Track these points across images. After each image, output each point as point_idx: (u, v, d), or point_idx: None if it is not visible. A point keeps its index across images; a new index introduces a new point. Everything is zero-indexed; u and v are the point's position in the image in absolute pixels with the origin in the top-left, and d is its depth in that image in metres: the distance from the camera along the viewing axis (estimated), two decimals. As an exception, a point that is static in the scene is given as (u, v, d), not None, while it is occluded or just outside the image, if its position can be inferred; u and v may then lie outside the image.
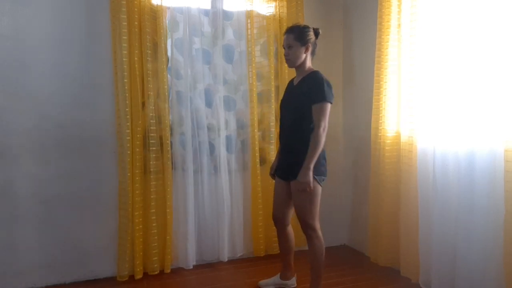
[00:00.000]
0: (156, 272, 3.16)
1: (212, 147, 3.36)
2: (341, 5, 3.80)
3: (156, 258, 3.16)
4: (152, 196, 3.11)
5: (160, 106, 3.18)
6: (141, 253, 3.12)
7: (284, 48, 2.56)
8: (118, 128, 3.05)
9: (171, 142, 3.19)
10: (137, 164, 3.06)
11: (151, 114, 3.10)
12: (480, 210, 2.43)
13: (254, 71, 3.40)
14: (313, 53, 2.59)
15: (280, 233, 2.83)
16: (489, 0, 2.39)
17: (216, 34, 3.35)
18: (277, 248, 3.49)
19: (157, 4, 3.12)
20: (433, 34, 2.75)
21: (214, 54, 3.34)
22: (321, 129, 2.42)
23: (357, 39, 3.66)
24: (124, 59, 2.98)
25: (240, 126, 3.48)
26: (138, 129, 3.06)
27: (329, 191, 3.80)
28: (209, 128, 3.34)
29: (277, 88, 3.50)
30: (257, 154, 3.41)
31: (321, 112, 2.42)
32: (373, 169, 3.25)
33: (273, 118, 3.45)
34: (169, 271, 3.21)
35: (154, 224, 3.13)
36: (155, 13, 3.11)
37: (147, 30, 3.05)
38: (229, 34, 3.42)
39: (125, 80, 2.99)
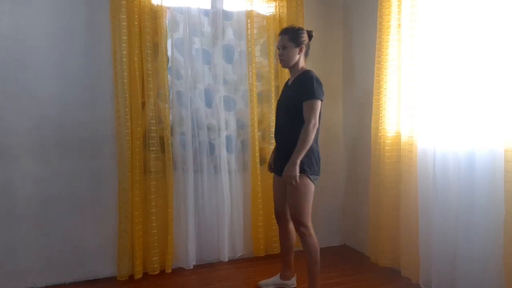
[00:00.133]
0: (156, 272, 3.16)
1: (212, 147, 3.36)
2: (341, 5, 3.80)
3: (156, 258, 3.16)
4: (152, 196, 3.12)
5: (160, 106, 3.18)
6: (141, 253, 3.12)
7: (279, 48, 2.63)
8: (117, 128, 3.06)
9: (171, 142, 3.19)
10: (137, 164, 3.07)
11: (151, 114, 3.10)
12: (480, 210, 2.43)
13: (254, 71, 3.40)
14: (306, 54, 2.66)
15: (282, 230, 2.85)
16: (489, 0, 2.38)
17: (216, 34, 3.35)
18: (277, 248, 3.49)
19: (157, 4, 3.12)
20: (433, 34, 2.75)
21: (214, 54, 3.34)
22: (311, 126, 2.46)
23: (357, 39, 3.66)
24: (124, 59, 2.99)
25: (240, 126, 3.49)
26: (138, 129, 3.07)
27: (329, 191, 3.81)
28: (209, 128, 3.34)
29: (277, 88, 3.50)
30: (257, 154, 3.41)
31: (311, 109, 2.47)
32: (373, 169, 3.25)
33: (273, 118, 3.43)
34: (170, 271, 3.21)
35: (154, 224, 3.13)
36: (155, 13, 3.11)
37: (147, 30, 3.06)
38: (229, 34, 3.42)
39: (125, 80, 3.00)
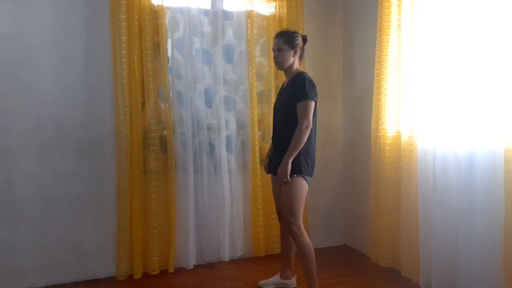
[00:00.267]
0: (156, 272, 3.16)
1: (212, 147, 3.36)
2: (341, 5, 3.80)
3: (156, 258, 3.16)
4: (152, 196, 3.11)
5: (160, 106, 3.18)
6: (140, 253, 3.11)
7: (274, 51, 2.69)
8: (117, 128, 3.05)
9: (167, 142, 3.19)
10: (137, 164, 3.06)
11: (151, 114, 3.10)
12: (480, 210, 2.42)
13: (254, 71, 3.40)
14: (301, 57, 2.73)
15: (285, 229, 2.84)
16: (489, 0, 2.38)
17: (216, 34, 3.35)
18: (277, 248, 3.49)
19: (157, 4, 3.12)
20: (433, 34, 2.75)
21: (214, 54, 3.34)
22: (303, 127, 2.51)
23: (357, 39, 3.66)
24: (123, 59, 2.99)
25: (240, 126, 3.49)
26: (138, 129, 3.07)
27: (329, 191, 3.81)
28: (209, 128, 3.34)
29: (277, 88, 3.49)
30: (257, 154, 3.41)
31: (304, 110, 2.52)
32: (373, 169, 3.25)
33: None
34: (172, 270, 3.21)
35: (154, 224, 3.13)
36: (155, 13, 3.11)
37: (147, 30, 3.06)
38: (229, 34, 3.42)
39: (124, 80, 3.00)
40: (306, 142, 2.57)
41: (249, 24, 3.39)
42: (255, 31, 3.44)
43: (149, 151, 3.10)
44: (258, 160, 3.41)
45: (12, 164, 2.88)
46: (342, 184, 3.86)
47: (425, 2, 2.80)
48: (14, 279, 2.90)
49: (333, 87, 3.83)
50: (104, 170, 3.10)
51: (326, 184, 3.74)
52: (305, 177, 2.59)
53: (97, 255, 3.11)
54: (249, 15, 3.39)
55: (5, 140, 2.86)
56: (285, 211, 2.63)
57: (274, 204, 3.34)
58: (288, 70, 2.69)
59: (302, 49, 2.71)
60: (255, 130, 3.41)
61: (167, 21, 3.19)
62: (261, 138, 3.50)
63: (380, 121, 3.16)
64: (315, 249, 2.67)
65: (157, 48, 3.14)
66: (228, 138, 3.42)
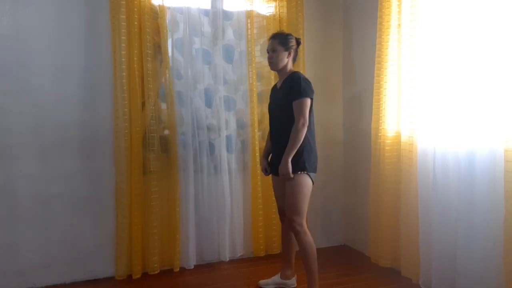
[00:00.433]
0: (156, 272, 3.16)
1: (212, 147, 3.36)
2: (341, 5, 3.80)
3: (156, 257, 3.16)
4: (152, 196, 3.11)
5: (161, 106, 3.18)
6: (139, 253, 3.11)
7: (268, 52, 2.73)
8: (116, 128, 3.05)
9: (169, 142, 3.19)
10: (136, 164, 3.06)
11: (151, 114, 3.10)
12: (480, 210, 2.42)
13: (254, 71, 3.40)
14: (294, 60, 2.76)
15: (286, 228, 2.86)
16: (489, 0, 2.38)
17: (216, 34, 3.35)
18: (277, 248, 3.50)
19: (157, 4, 3.12)
20: (433, 34, 2.75)
21: (214, 54, 3.34)
22: (300, 125, 2.54)
23: (357, 39, 3.66)
24: (123, 59, 2.99)
25: (240, 126, 3.49)
26: (138, 129, 3.06)
27: (329, 191, 3.81)
28: (209, 128, 3.34)
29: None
30: (257, 154, 3.41)
31: (299, 108, 2.55)
32: (373, 169, 3.25)
33: (273, 118, 3.45)
34: (178, 269, 3.22)
35: (155, 224, 3.13)
36: (156, 13, 3.11)
37: (147, 30, 3.05)
38: (229, 34, 3.42)
39: (124, 80, 3.00)
40: (307, 139, 2.59)
41: (249, 24, 3.39)
42: (255, 31, 3.44)
43: (149, 151, 3.10)
44: (258, 160, 3.41)
45: (12, 164, 2.88)
46: (342, 184, 3.86)
47: (425, 2, 2.80)
48: (14, 279, 2.90)
49: (333, 87, 3.83)
50: (104, 170, 3.09)
51: (326, 184, 3.74)
52: (309, 173, 2.59)
53: (97, 255, 3.11)
54: (249, 15, 3.39)
55: (5, 140, 2.86)
56: (289, 209, 2.63)
57: (274, 204, 3.35)
58: (281, 70, 2.72)
59: (296, 51, 2.75)
60: (255, 130, 3.41)
61: (167, 21, 3.19)
62: (261, 138, 3.49)
63: (380, 121, 3.16)
64: (315, 249, 2.67)
65: (157, 48, 3.14)
66: (228, 138, 3.42)
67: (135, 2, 3.02)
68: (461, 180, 2.54)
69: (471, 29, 2.50)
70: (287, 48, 2.68)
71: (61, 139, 2.99)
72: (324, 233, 3.78)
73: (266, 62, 3.44)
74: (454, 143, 2.59)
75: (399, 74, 3.03)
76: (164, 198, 3.19)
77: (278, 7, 3.52)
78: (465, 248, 2.51)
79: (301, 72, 3.34)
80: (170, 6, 3.21)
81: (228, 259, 3.41)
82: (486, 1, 2.41)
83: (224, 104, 3.39)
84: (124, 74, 3.00)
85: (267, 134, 2.99)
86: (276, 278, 2.93)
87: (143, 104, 3.12)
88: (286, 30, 3.38)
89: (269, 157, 2.88)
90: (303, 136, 2.55)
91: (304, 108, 2.55)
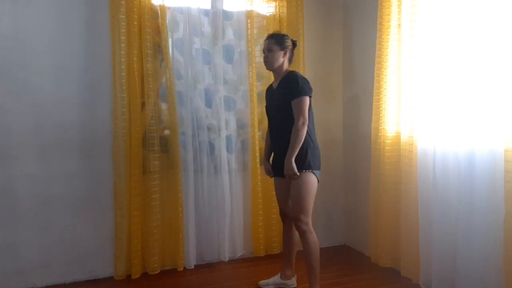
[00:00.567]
0: (156, 272, 3.16)
1: (212, 147, 3.36)
2: (341, 5, 3.80)
3: (156, 257, 3.16)
4: (152, 196, 3.11)
5: (161, 106, 3.18)
6: (139, 253, 3.11)
7: (264, 52, 2.73)
8: (114, 128, 3.05)
9: (170, 142, 3.19)
10: (136, 164, 3.06)
11: (151, 114, 3.09)
12: (480, 210, 2.42)
13: (254, 71, 3.40)
14: (290, 60, 2.76)
15: (287, 229, 2.87)
16: (489, 0, 2.38)
17: (216, 34, 3.35)
18: (277, 248, 3.50)
19: (157, 4, 3.12)
20: (433, 34, 2.75)
21: (214, 54, 3.34)
22: (300, 124, 2.54)
23: (357, 39, 3.66)
24: (122, 59, 2.99)
25: (240, 126, 3.49)
26: (137, 129, 3.06)
27: (329, 191, 3.81)
28: (209, 128, 3.35)
29: (277, 88, 3.50)
30: (257, 154, 3.41)
31: (298, 107, 2.55)
32: (373, 169, 3.25)
33: (273, 118, 3.44)
34: (181, 269, 3.22)
35: (155, 224, 3.12)
36: (156, 13, 3.11)
37: (147, 30, 3.05)
38: (229, 34, 3.42)
39: (123, 80, 3.00)
40: (309, 137, 2.59)
41: (249, 24, 3.39)
42: (255, 31, 3.44)
43: (149, 151, 3.10)
44: (258, 160, 3.41)
45: (12, 164, 2.88)
46: (342, 184, 3.86)
47: (425, 2, 2.80)
48: (14, 279, 2.90)
49: (333, 87, 3.83)
50: (104, 170, 3.09)
51: (326, 184, 3.74)
52: (314, 171, 2.59)
53: (97, 255, 3.11)
54: (249, 15, 3.39)
55: (5, 140, 2.86)
56: (295, 208, 2.62)
57: (274, 204, 3.36)
58: (277, 70, 2.72)
59: (292, 52, 2.75)
60: (255, 130, 3.41)
61: (167, 21, 3.19)
62: (261, 138, 3.49)
63: (380, 121, 3.16)
64: (315, 249, 2.66)
65: (157, 48, 3.14)
66: (228, 138, 3.42)
67: (135, 2, 3.02)
68: (461, 180, 2.54)
69: (471, 29, 2.50)
70: (282, 47, 2.68)
71: (61, 139, 3.00)
72: (324, 233, 3.78)
73: (266, 62, 3.48)
74: (454, 143, 2.59)
75: (399, 74, 3.02)
76: (164, 198, 3.19)
77: (278, 7, 3.52)
78: (465, 248, 2.51)
79: (301, 72, 3.36)
80: (170, 6, 3.21)
81: (228, 259, 3.41)
82: (486, 1, 2.41)
83: (224, 104, 3.39)
84: (123, 74, 3.00)
85: (266, 135, 2.98)
86: (276, 278, 2.93)
87: (143, 104, 3.11)
88: (286, 30, 3.39)
89: (271, 158, 2.87)
90: (304, 135, 2.54)
91: (303, 107, 2.54)
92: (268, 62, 2.71)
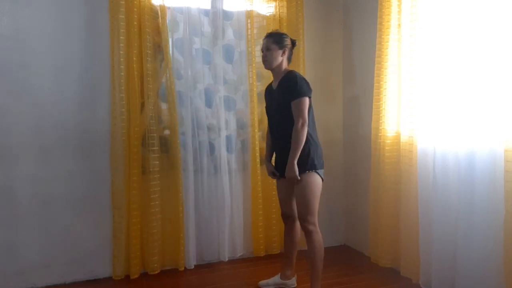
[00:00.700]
0: (156, 272, 3.16)
1: (212, 147, 3.36)
2: (341, 5, 3.80)
3: (156, 257, 3.15)
4: (152, 196, 3.10)
5: (161, 106, 3.17)
6: (138, 253, 3.11)
7: (263, 51, 2.71)
8: (112, 128, 3.05)
9: (170, 142, 3.19)
10: (134, 164, 3.05)
11: (150, 114, 3.09)
12: (480, 210, 2.42)
13: (254, 71, 3.40)
14: (289, 60, 2.74)
15: (289, 229, 2.86)
16: (489, 0, 2.38)
17: (216, 34, 3.35)
18: (277, 248, 3.50)
19: (157, 4, 3.11)
20: (433, 34, 2.75)
21: (214, 54, 3.34)
22: (299, 125, 2.53)
23: (357, 39, 3.66)
24: (121, 59, 2.99)
25: (240, 126, 3.49)
26: (136, 129, 3.06)
27: (329, 191, 3.80)
28: (209, 128, 3.35)
29: (277, 88, 3.49)
30: (257, 154, 3.41)
31: (298, 108, 2.54)
32: (373, 169, 3.25)
33: (273, 118, 3.44)
34: (182, 269, 3.22)
35: (154, 224, 3.12)
36: (156, 13, 3.11)
37: (147, 30, 3.05)
38: (229, 34, 3.42)
39: (122, 80, 3.00)
40: (311, 136, 2.58)
41: (249, 24, 3.39)
42: (255, 31, 3.44)
43: (148, 151, 3.09)
44: (258, 160, 3.41)
45: (12, 164, 2.88)
46: (342, 184, 3.86)
47: (425, 2, 2.80)
48: (14, 279, 2.90)
49: (333, 87, 3.83)
50: (103, 170, 3.09)
51: (326, 184, 3.69)
52: (317, 171, 2.59)
53: (97, 255, 3.11)
54: (249, 15, 3.39)
55: (5, 140, 2.86)
56: (301, 209, 2.61)
57: (274, 204, 3.36)
58: (276, 69, 2.69)
59: (291, 51, 2.72)
60: (255, 130, 3.41)
61: (167, 21, 3.18)
62: (261, 138, 3.49)
63: (380, 121, 3.16)
64: (315, 249, 2.66)
65: (157, 48, 3.14)
66: (228, 138, 3.42)
67: (135, 2, 3.02)
68: (461, 180, 2.54)
69: (471, 29, 2.50)
70: (281, 46, 2.65)
71: (61, 139, 2.99)
72: (324, 233, 3.74)
73: (266, 62, 3.48)
74: (454, 143, 2.59)
75: (399, 74, 3.02)
76: (164, 198, 3.19)
77: (278, 7, 3.52)
78: (465, 248, 2.51)
79: (301, 72, 3.36)
80: (170, 6, 3.21)
81: (228, 259, 3.41)
82: (486, 1, 2.41)
83: (224, 104, 3.39)
84: (122, 74, 3.00)
85: (266, 135, 2.97)
86: (276, 278, 2.93)
87: (143, 104, 3.11)
88: (286, 30, 3.39)
89: (273, 159, 2.85)
90: (304, 137, 2.53)
91: (303, 108, 2.53)
92: (267, 61, 2.68)
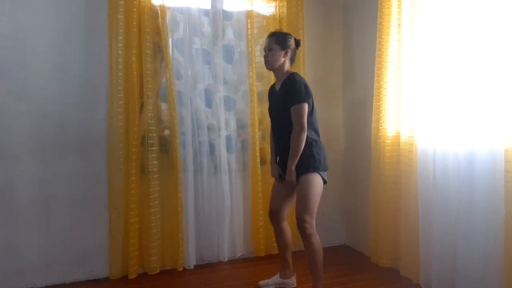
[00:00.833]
0: (156, 272, 3.16)
1: (212, 147, 3.36)
2: (341, 5, 3.80)
3: (155, 257, 3.15)
4: (151, 196, 3.10)
5: (161, 106, 3.17)
6: (136, 253, 3.10)
7: (265, 50, 2.67)
8: (109, 128, 3.04)
9: (170, 142, 3.19)
10: (133, 164, 3.05)
11: (150, 114, 3.09)
12: (480, 210, 2.42)
13: (254, 71, 3.40)
14: (292, 60, 2.70)
15: (276, 229, 2.86)
16: (489, 0, 2.38)
17: (216, 34, 3.35)
18: (277, 248, 3.48)
19: (157, 4, 3.11)
20: (433, 34, 2.75)
21: (214, 54, 3.34)
22: (296, 132, 2.53)
23: (357, 39, 3.66)
24: (119, 59, 2.99)
25: (240, 126, 3.49)
26: (135, 129, 3.05)
27: (329, 191, 3.79)
28: (209, 128, 3.35)
29: (277, 88, 3.49)
30: (257, 154, 3.41)
31: (297, 114, 2.52)
32: (373, 169, 3.25)
33: (273, 118, 3.44)
34: (181, 269, 3.22)
35: (153, 224, 3.12)
36: (156, 13, 3.11)
37: (146, 30, 3.05)
38: (229, 34, 3.42)
39: (119, 80, 3.00)
40: (314, 139, 2.59)
41: (249, 24, 3.39)
42: (255, 31, 3.44)
43: (148, 151, 3.09)
44: (258, 160, 3.41)
45: (12, 164, 2.88)
46: (342, 184, 3.86)
47: (425, 2, 2.80)
48: (14, 279, 2.90)
49: (333, 87, 3.82)
50: (103, 170, 3.09)
51: (326, 184, 3.73)
52: (320, 173, 2.58)
53: (97, 255, 3.11)
54: (249, 15, 3.39)
55: (5, 140, 2.86)
56: (300, 209, 2.57)
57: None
58: (277, 70, 2.67)
59: (294, 52, 2.68)
60: (255, 130, 3.41)
61: (167, 21, 3.18)
62: (261, 138, 3.50)
63: (380, 121, 3.16)
64: (315, 249, 2.66)
65: (157, 48, 3.14)
66: (228, 138, 3.42)
67: (134, 2, 3.02)
68: (461, 180, 2.54)
69: (471, 29, 2.50)
70: (283, 47, 2.62)
71: (61, 139, 2.99)
72: (324, 233, 3.75)
73: (266, 62, 3.48)
74: (454, 143, 2.59)
75: (399, 74, 3.02)
76: (164, 198, 3.18)
77: (278, 7, 3.52)
78: (465, 248, 2.51)
79: (301, 72, 3.37)
80: (170, 6, 3.20)
81: (228, 259, 3.41)
82: (486, 1, 2.41)
83: (224, 104, 3.39)
84: (120, 74, 2.99)
85: (269, 136, 2.96)
86: (276, 277, 2.93)
87: (142, 104, 3.11)
88: (286, 30, 3.38)
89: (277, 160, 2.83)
90: (302, 143, 2.52)
91: (300, 114, 2.51)
92: (268, 62, 2.65)
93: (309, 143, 2.57)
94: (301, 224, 2.57)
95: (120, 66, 3.00)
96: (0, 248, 2.87)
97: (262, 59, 3.42)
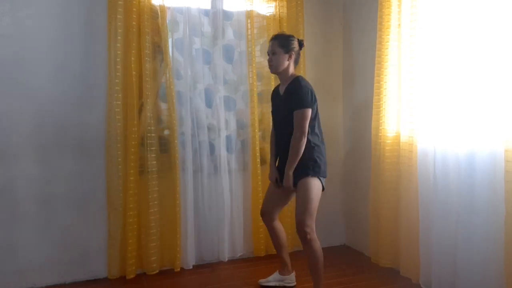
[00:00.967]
0: (155, 272, 3.16)
1: (212, 147, 3.36)
2: (341, 5, 3.80)
3: (155, 258, 3.15)
4: (150, 196, 3.10)
5: (161, 106, 3.17)
6: (134, 253, 3.10)
7: (268, 54, 2.66)
8: (108, 128, 3.04)
9: (170, 142, 3.19)
10: (132, 164, 3.05)
11: (149, 114, 3.09)
12: (481, 210, 2.42)
13: (254, 71, 3.40)
14: (296, 62, 2.69)
15: (269, 228, 2.86)
16: (489, 0, 2.38)
17: (216, 34, 3.35)
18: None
19: (157, 4, 3.11)
20: (433, 34, 2.75)
21: (214, 54, 3.34)
22: (296, 138, 2.52)
23: (357, 39, 3.65)
24: (118, 59, 2.98)
25: (240, 126, 3.49)
26: (134, 129, 3.05)
27: (329, 191, 3.79)
28: (209, 128, 3.34)
29: (277, 88, 3.49)
30: (257, 154, 3.41)
31: (299, 119, 2.52)
32: (373, 169, 3.24)
33: (273, 118, 3.44)
34: (178, 269, 3.21)
35: (152, 224, 3.12)
36: (156, 13, 3.11)
37: (146, 30, 3.05)
38: (229, 34, 3.42)
39: (117, 81, 2.99)
40: (316, 144, 2.58)
41: (249, 24, 3.39)
42: (255, 31, 3.44)
43: (147, 151, 3.09)
44: (258, 160, 3.41)
45: (12, 164, 2.88)
46: (342, 184, 3.86)
47: (425, 2, 2.80)
48: (14, 279, 2.90)
49: (333, 87, 3.82)
50: (103, 170, 3.09)
51: (326, 184, 3.71)
52: (320, 178, 2.58)
53: (97, 255, 3.11)
54: (249, 15, 3.39)
55: (5, 140, 2.86)
56: (300, 211, 2.55)
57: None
58: (282, 74, 2.66)
59: (298, 53, 2.67)
60: (255, 130, 3.41)
61: (167, 21, 3.18)
62: (261, 138, 3.50)
63: (380, 121, 3.16)
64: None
65: (157, 48, 3.13)
66: (228, 138, 3.42)
67: (134, 2, 3.01)
68: (461, 181, 2.53)
69: (471, 29, 2.50)
70: (287, 50, 2.60)
71: (61, 139, 2.99)
72: (324, 233, 3.76)
73: (266, 62, 3.44)
74: (454, 144, 2.59)
75: (399, 74, 3.02)
76: (163, 198, 3.18)
77: (278, 7, 3.52)
78: (465, 249, 2.50)
79: (301, 72, 3.37)
80: (170, 6, 3.20)
81: (228, 259, 3.41)
82: (486, 1, 2.41)
83: (224, 104, 3.39)
84: (118, 74, 2.99)
85: (270, 138, 2.94)
86: (276, 275, 2.94)
87: (142, 104, 3.11)
88: (286, 30, 3.38)
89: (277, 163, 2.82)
90: (301, 148, 2.52)
91: (302, 120, 2.50)
92: (272, 66, 2.64)
93: (312, 147, 2.57)
94: (302, 228, 2.52)
95: (119, 66, 3.00)
96: (0, 248, 2.87)
97: (262, 59, 3.48)
